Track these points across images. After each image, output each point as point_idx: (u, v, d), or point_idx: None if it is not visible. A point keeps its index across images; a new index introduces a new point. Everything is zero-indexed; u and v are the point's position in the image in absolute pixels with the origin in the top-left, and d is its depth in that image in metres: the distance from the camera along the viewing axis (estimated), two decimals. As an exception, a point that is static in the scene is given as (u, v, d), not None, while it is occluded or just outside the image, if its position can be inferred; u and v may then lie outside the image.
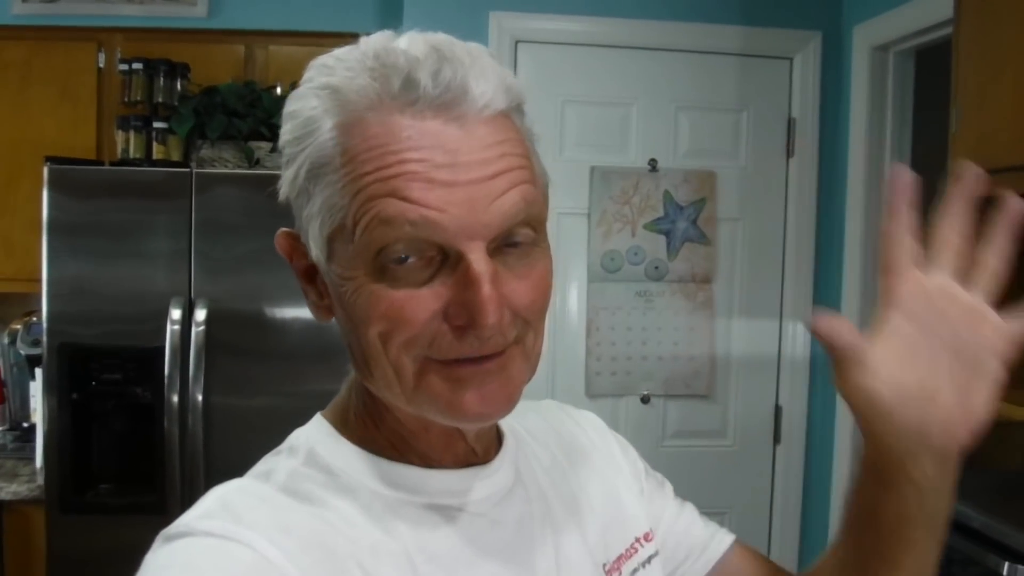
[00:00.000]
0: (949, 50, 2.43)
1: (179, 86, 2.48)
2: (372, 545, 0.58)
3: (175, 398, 2.15)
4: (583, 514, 0.71)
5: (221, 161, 2.45)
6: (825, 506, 2.69)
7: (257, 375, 2.23)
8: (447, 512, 0.62)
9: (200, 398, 2.16)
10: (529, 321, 0.58)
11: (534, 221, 0.57)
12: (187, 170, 2.22)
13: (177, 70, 2.49)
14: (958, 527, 1.55)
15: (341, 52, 0.58)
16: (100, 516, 2.20)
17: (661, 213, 2.66)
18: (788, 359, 2.76)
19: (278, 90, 2.58)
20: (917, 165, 2.51)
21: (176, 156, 2.45)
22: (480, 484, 0.64)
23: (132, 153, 2.44)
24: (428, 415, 0.59)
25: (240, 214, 2.22)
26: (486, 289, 0.53)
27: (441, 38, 0.56)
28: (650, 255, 2.66)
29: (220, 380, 2.20)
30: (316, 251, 0.59)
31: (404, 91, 0.54)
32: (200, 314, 2.17)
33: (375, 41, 0.57)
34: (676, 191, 2.67)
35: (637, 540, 0.74)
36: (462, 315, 0.54)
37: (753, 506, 2.77)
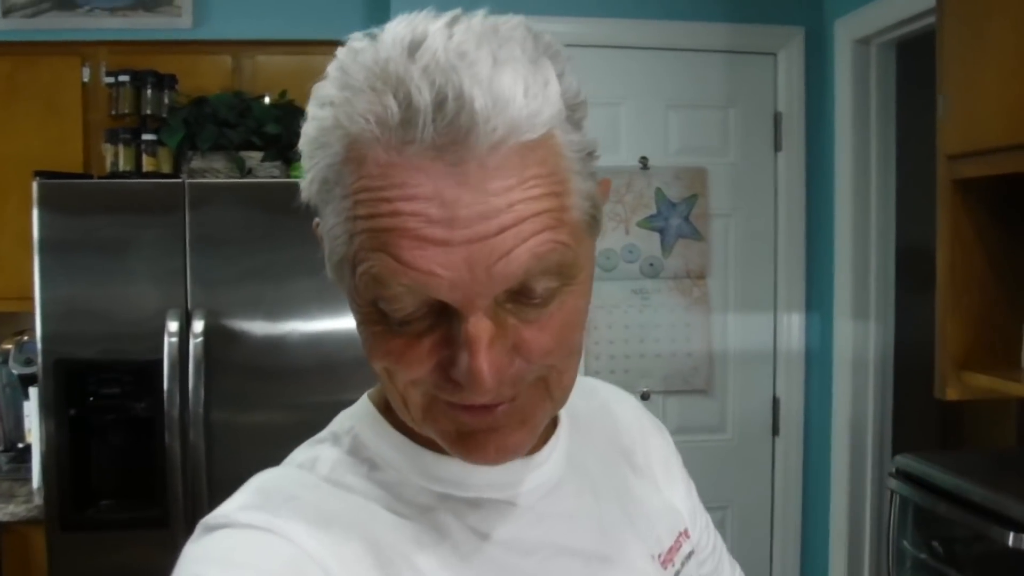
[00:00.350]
0: (930, 40, 2.48)
1: (167, 97, 2.47)
2: (416, 538, 0.57)
3: (175, 411, 2.13)
4: (635, 504, 0.69)
5: (212, 172, 2.44)
6: (825, 495, 2.70)
7: (257, 388, 2.22)
8: (494, 506, 0.60)
9: (201, 410, 2.14)
10: (548, 364, 0.53)
11: (556, 271, 0.50)
12: (180, 181, 2.21)
13: (164, 81, 2.47)
14: (961, 502, 1.57)
15: (360, 45, 0.50)
16: (102, 533, 2.18)
17: (654, 210, 2.67)
18: (783, 351, 2.78)
19: (267, 99, 2.58)
20: (904, 152, 2.56)
21: (167, 168, 2.44)
22: (527, 477, 0.62)
23: (122, 166, 2.42)
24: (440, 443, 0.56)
25: (235, 224, 2.21)
26: (480, 357, 0.48)
27: (470, 42, 0.48)
28: (645, 253, 2.68)
29: (220, 393, 2.18)
30: (329, 269, 0.54)
31: (402, 128, 0.47)
32: (198, 325, 2.15)
33: (392, 43, 0.49)
34: (668, 188, 2.68)
35: (681, 534, 0.72)
36: (458, 375, 0.50)
37: (754, 499, 2.79)
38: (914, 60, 2.73)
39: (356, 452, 0.60)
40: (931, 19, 2.23)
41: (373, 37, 0.50)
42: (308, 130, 0.52)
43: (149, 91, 2.46)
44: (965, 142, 1.52)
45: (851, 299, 2.61)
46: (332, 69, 0.51)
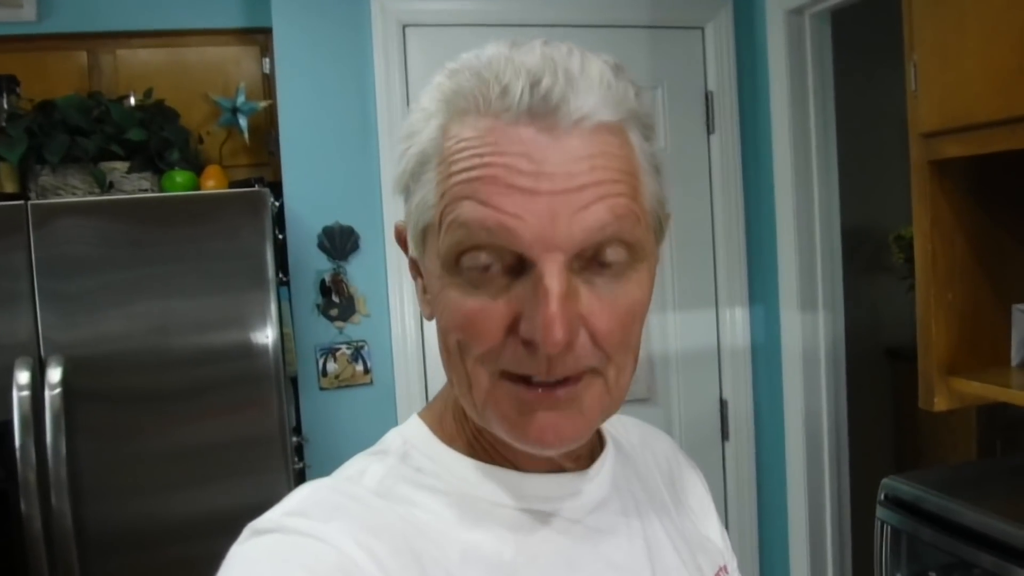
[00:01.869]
0: (866, 7, 2.30)
1: (6, 103, 2.08)
2: (462, 550, 0.57)
3: (32, 477, 1.77)
4: (680, 531, 0.71)
5: (68, 188, 2.07)
6: (781, 498, 2.52)
7: (133, 430, 1.88)
8: (542, 517, 0.61)
9: (64, 471, 1.80)
10: (609, 352, 0.55)
11: (628, 240, 0.54)
12: (20, 203, 1.84)
13: (2, 84, 2.08)
14: (958, 530, 1.38)
15: (466, 55, 0.57)
16: (-48, 631, 1.81)
17: (581, 205, 2.42)
18: (728, 349, 2.58)
19: (132, 100, 2.22)
20: (844, 131, 2.38)
21: (11, 187, 2.05)
22: (575, 491, 0.63)
23: (-45, 188, 2.03)
24: (496, 432, 0.58)
25: (92, 247, 1.86)
26: (553, 305, 0.51)
27: (561, 48, 0.55)
28: (574, 252, 2.43)
29: (87, 442, 1.84)
30: (413, 246, 0.60)
31: (501, 97, 0.53)
32: (54, 373, 1.80)
33: (497, 47, 0.56)
34: (595, 180, 2.44)
35: (721, 568, 0.73)
36: (529, 330, 0.52)
37: (707, 510, 2.58)
38: (852, 29, 2.56)
39: (407, 463, 0.62)
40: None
41: (476, 54, 0.57)
42: (407, 122, 0.58)
43: (-17, 96, 2.06)
44: (943, 118, 1.31)
45: (797, 288, 2.43)
46: (437, 75, 0.58)
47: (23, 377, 1.79)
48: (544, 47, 0.54)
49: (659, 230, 0.59)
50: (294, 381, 2.24)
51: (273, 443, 1.96)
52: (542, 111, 0.52)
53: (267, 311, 1.95)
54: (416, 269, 0.61)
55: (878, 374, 3.21)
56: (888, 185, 2.90)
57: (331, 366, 2.26)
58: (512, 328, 0.53)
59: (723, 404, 2.59)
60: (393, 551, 0.54)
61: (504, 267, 0.53)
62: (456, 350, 0.56)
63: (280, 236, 2.19)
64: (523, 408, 0.55)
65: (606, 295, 0.54)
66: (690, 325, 2.55)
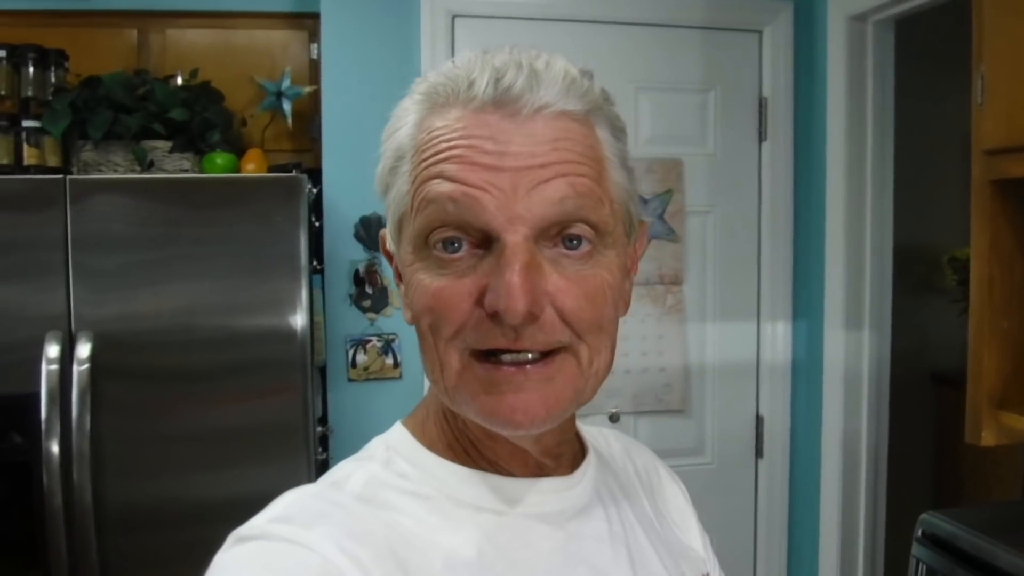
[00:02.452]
0: (934, 15, 2.20)
1: (53, 77, 2.10)
2: (445, 556, 0.58)
3: (55, 450, 1.78)
4: (662, 539, 0.72)
5: (109, 165, 2.08)
6: (813, 522, 2.44)
7: (157, 409, 1.88)
8: (525, 522, 0.62)
9: (87, 446, 1.80)
10: (579, 332, 0.56)
11: (592, 220, 0.56)
12: (59, 177, 1.84)
13: (51, 58, 2.10)
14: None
15: (447, 62, 0.60)
16: (-29, 598, 1.83)
17: (623, 208, 2.36)
18: (768, 364, 2.50)
19: (178, 80, 2.22)
20: (902, 145, 2.28)
21: (54, 161, 2.06)
22: (557, 496, 0.64)
23: None
24: (468, 415, 0.58)
25: (127, 225, 1.86)
26: (516, 275, 0.52)
27: (531, 52, 0.58)
28: (612, 255, 2.37)
29: (111, 419, 1.84)
30: (390, 240, 0.62)
31: (468, 89, 0.56)
32: (83, 349, 1.80)
33: (472, 53, 0.59)
34: (639, 182, 2.37)
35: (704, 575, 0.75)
36: (492, 300, 0.53)
37: (736, 527, 2.51)
38: (915, 39, 2.46)
39: (390, 469, 0.62)
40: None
41: (453, 60, 0.60)
42: (389, 123, 0.62)
43: (31, 69, 2.08)
44: (1010, 135, 1.22)
45: (843, 305, 2.34)
46: (417, 82, 0.61)
47: (52, 351, 1.80)
48: (512, 50, 0.58)
49: (628, 224, 0.61)
50: (323, 371, 2.23)
51: (296, 431, 1.94)
52: (506, 99, 0.55)
53: (298, 298, 1.93)
54: (399, 275, 0.62)
55: (922, 399, 3.09)
56: (945, 203, 2.78)
57: (360, 357, 2.23)
58: (478, 303, 0.54)
59: (759, 420, 2.51)
60: (376, 557, 0.54)
61: (471, 245, 0.55)
62: (428, 333, 0.57)
63: (317, 224, 2.17)
64: (493, 387, 0.55)
65: (573, 275, 0.56)
66: (730, 337, 2.47)
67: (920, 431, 3.06)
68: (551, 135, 0.55)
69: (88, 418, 1.80)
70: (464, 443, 0.63)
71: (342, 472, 0.63)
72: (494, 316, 0.54)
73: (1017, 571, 1.29)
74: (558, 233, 0.55)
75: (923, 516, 1.47)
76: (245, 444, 1.93)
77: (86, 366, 1.80)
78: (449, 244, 0.55)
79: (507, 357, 0.55)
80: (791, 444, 2.51)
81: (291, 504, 0.58)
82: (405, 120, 0.60)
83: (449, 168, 0.55)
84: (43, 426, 1.77)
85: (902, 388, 2.56)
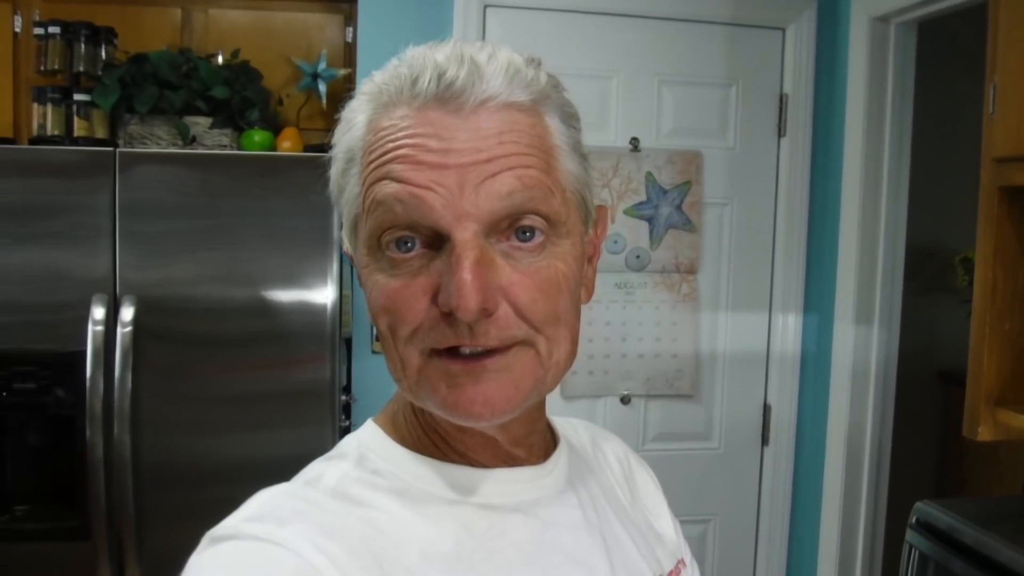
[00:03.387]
0: (955, 20, 2.25)
1: (104, 53, 2.19)
2: (421, 548, 0.58)
3: (98, 406, 1.89)
4: (636, 526, 0.72)
5: (153, 138, 2.17)
6: (815, 510, 2.52)
7: (193, 371, 1.99)
8: (499, 512, 0.62)
9: (128, 404, 1.91)
10: (535, 324, 0.56)
11: (543, 212, 0.56)
12: (109, 149, 1.94)
13: (101, 35, 2.19)
14: (987, 564, 1.37)
15: (391, 61, 0.60)
16: (17, 544, 1.94)
17: (643, 197, 2.44)
18: (777, 354, 2.57)
19: (219, 58, 2.31)
20: (920, 147, 2.33)
21: (101, 133, 2.16)
22: (531, 486, 0.64)
23: (50, 129, 2.14)
24: (431, 410, 0.59)
25: (171, 196, 1.96)
26: (466, 272, 0.52)
27: (475, 44, 0.58)
28: (631, 243, 2.44)
29: (151, 379, 1.95)
30: (348, 243, 0.61)
31: (411, 87, 0.56)
32: (127, 312, 1.91)
33: (415, 49, 0.59)
34: (659, 173, 2.45)
35: (680, 562, 0.75)
36: (445, 299, 0.53)
37: (739, 512, 2.59)
38: (936, 42, 2.50)
39: (362, 466, 0.62)
40: (962, -4, 2.01)
41: (399, 57, 0.60)
42: (338, 125, 0.60)
43: (83, 45, 2.17)
44: (1019, 144, 1.29)
45: (854, 301, 2.40)
46: (363, 82, 0.61)
47: (98, 313, 1.90)
48: (457, 43, 0.58)
49: (584, 212, 0.61)
50: (348, 342, 2.32)
51: (323, 398, 2.04)
52: (449, 95, 0.55)
53: (329, 272, 2.02)
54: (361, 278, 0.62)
55: (928, 397, 3.15)
56: (959, 205, 2.83)
57: (384, 332, 2.32)
58: (434, 300, 0.54)
59: (766, 409, 2.59)
60: (351, 553, 0.54)
61: (422, 244, 0.55)
62: (388, 334, 0.57)
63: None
64: (452, 381, 0.56)
65: (526, 267, 0.55)
66: (741, 326, 2.55)
67: (925, 428, 3.13)
68: (496, 128, 0.55)
69: (129, 377, 1.91)
70: (434, 437, 0.63)
71: (315, 471, 0.62)
72: (448, 315, 0.54)
73: (1005, 560, 1.36)
74: (509, 227, 0.55)
75: (918, 504, 1.54)
76: (274, 408, 2.03)
77: (129, 328, 1.91)
78: (402, 244, 0.55)
79: (464, 350, 0.55)
80: (797, 434, 2.58)
81: (264, 503, 0.58)
82: (354, 121, 0.59)
83: (395, 168, 0.54)
84: (88, 383, 1.88)
85: (909, 385, 2.63)
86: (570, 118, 0.60)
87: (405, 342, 0.56)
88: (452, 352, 0.55)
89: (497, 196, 0.54)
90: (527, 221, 0.55)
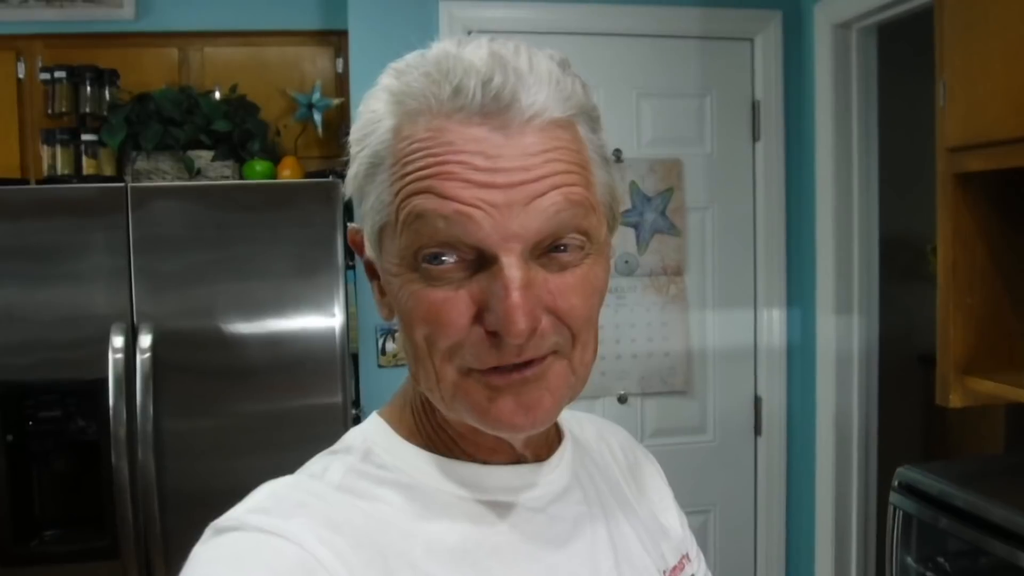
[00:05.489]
0: (913, 24, 2.39)
1: (108, 94, 2.30)
2: (426, 542, 0.58)
3: (122, 431, 1.97)
4: (641, 521, 0.72)
5: (159, 173, 2.28)
6: (810, 496, 2.62)
7: (211, 396, 2.08)
8: (504, 508, 0.62)
9: (150, 427, 1.99)
10: (573, 330, 0.56)
11: (583, 229, 0.55)
12: (121, 185, 2.04)
13: (105, 77, 2.30)
14: (966, 517, 1.48)
15: (411, 56, 0.58)
16: (47, 567, 2.02)
17: (628, 205, 2.56)
18: (764, 348, 2.69)
19: (216, 94, 2.42)
20: (887, 143, 2.46)
21: (109, 170, 2.27)
22: (536, 481, 0.64)
23: (60, 169, 2.25)
24: (466, 421, 0.58)
25: (182, 229, 2.05)
26: (515, 296, 0.52)
27: (508, 46, 0.56)
28: (619, 249, 2.56)
29: (170, 405, 2.03)
30: (370, 247, 0.60)
31: (453, 97, 0.54)
32: (145, 340, 2.00)
33: (442, 46, 0.57)
34: (643, 181, 2.57)
35: (684, 556, 0.75)
36: (493, 321, 0.53)
37: (737, 501, 2.70)
38: (896, 45, 2.65)
39: (368, 460, 0.62)
40: (915, 1, 2.15)
41: (421, 53, 0.58)
42: (357, 125, 0.58)
43: (88, 88, 2.28)
44: (967, 134, 1.42)
45: (833, 292, 2.52)
46: (383, 76, 0.58)
47: (118, 341, 1.99)
48: (491, 44, 0.56)
49: (612, 220, 0.62)
50: (355, 357, 2.42)
51: (335, 415, 2.13)
52: (494, 109, 0.53)
53: (336, 294, 2.12)
54: (371, 271, 0.62)
55: (910, 379, 3.28)
56: (927, 197, 2.96)
57: (390, 346, 2.43)
58: (476, 319, 0.54)
59: (757, 401, 2.70)
60: (355, 545, 0.55)
61: (463, 263, 0.54)
62: (424, 345, 0.56)
63: (348, 223, 2.37)
64: (492, 394, 0.55)
65: (565, 275, 0.55)
66: (729, 323, 2.66)
67: (908, 409, 3.25)
68: (541, 146, 0.54)
69: (151, 403, 1.99)
70: (443, 436, 0.63)
71: (320, 464, 0.62)
72: (493, 334, 0.53)
73: (979, 511, 1.47)
74: (549, 245, 0.55)
75: (900, 469, 1.66)
76: (289, 428, 2.11)
77: (148, 355, 1.99)
78: (436, 258, 0.54)
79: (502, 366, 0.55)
80: (788, 422, 2.70)
81: (269, 495, 0.58)
82: (379, 126, 0.57)
83: (439, 185, 0.53)
84: (111, 410, 1.97)
85: (891, 368, 2.75)
86: (596, 123, 0.60)
87: (443, 357, 0.55)
88: (491, 368, 0.55)
89: (545, 216, 0.53)
90: (568, 239, 0.55)
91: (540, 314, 0.54)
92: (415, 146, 0.54)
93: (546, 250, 0.55)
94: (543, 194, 0.53)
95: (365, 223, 0.59)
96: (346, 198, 0.65)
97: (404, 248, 0.55)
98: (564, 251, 0.55)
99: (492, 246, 0.53)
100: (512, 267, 0.52)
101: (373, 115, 0.57)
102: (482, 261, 0.54)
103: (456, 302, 0.54)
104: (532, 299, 0.53)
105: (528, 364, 0.55)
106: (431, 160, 0.53)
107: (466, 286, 0.54)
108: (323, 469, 0.61)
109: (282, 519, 0.54)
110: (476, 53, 0.55)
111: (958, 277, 1.47)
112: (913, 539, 1.58)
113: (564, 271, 0.55)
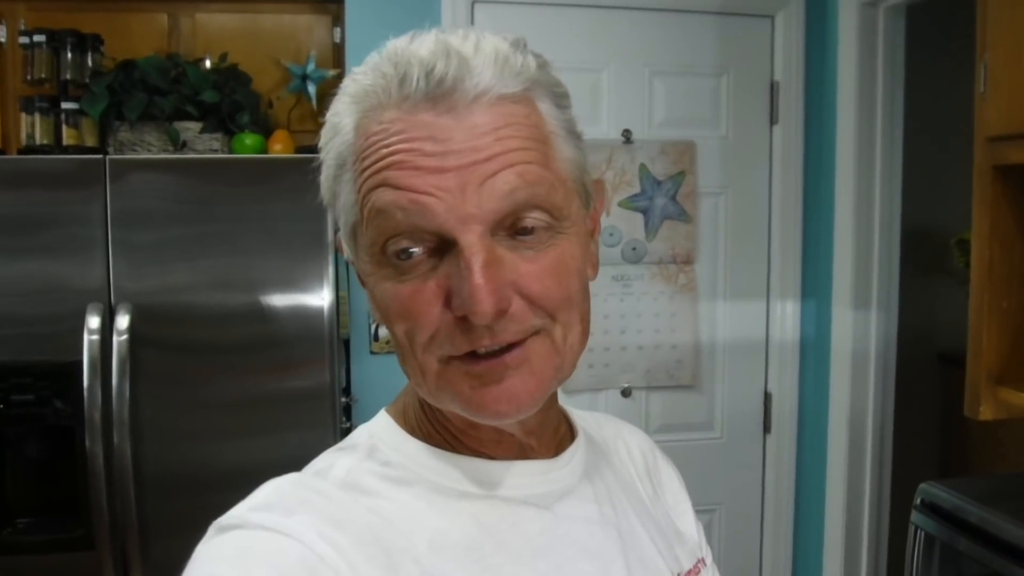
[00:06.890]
0: (943, 3, 2.24)
1: (90, 61, 2.18)
2: (430, 539, 0.58)
3: (97, 415, 1.88)
4: (656, 523, 0.71)
5: (143, 145, 2.16)
6: (820, 498, 2.52)
7: (191, 379, 1.98)
8: (511, 504, 0.61)
9: (126, 411, 1.90)
10: (550, 311, 0.56)
11: (545, 206, 0.55)
12: (99, 157, 1.93)
13: (88, 42, 2.18)
14: (993, 541, 1.37)
15: (370, 56, 0.58)
16: (20, 556, 1.93)
17: (637, 189, 2.43)
18: (777, 342, 2.57)
19: (207, 63, 2.29)
20: (912, 130, 2.33)
21: (91, 141, 2.15)
22: (544, 479, 0.64)
23: (39, 139, 2.14)
24: (455, 411, 0.58)
25: (163, 202, 1.95)
26: (477, 276, 0.52)
27: (456, 33, 0.56)
28: (627, 235, 2.44)
29: (149, 387, 1.94)
30: (348, 250, 0.61)
31: (399, 88, 0.54)
32: (123, 320, 1.90)
33: (395, 42, 0.57)
34: (653, 164, 2.44)
35: (700, 560, 0.74)
36: (459, 305, 0.53)
37: (744, 500, 2.59)
38: (925, 26, 2.50)
39: (374, 456, 0.62)
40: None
41: (377, 52, 0.58)
42: (324, 130, 0.59)
43: (69, 53, 2.16)
44: (1011, 122, 1.28)
45: (851, 286, 2.40)
46: (344, 80, 0.59)
47: (94, 322, 1.89)
48: (439, 35, 0.56)
49: (584, 195, 0.60)
50: (346, 343, 2.31)
51: (323, 400, 2.04)
52: (439, 94, 0.53)
53: (324, 274, 2.02)
54: (361, 277, 0.62)
55: (929, 379, 3.15)
56: (954, 187, 2.83)
57: (382, 331, 2.32)
58: (447, 306, 0.54)
59: (767, 397, 2.59)
60: (358, 542, 0.55)
61: (427, 250, 0.54)
62: (405, 340, 0.56)
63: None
64: (475, 382, 0.55)
65: (533, 256, 0.55)
66: (740, 315, 2.55)
67: (926, 410, 3.13)
68: (492, 124, 0.54)
69: (127, 385, 1.90)
70: (444, 433, 0.63)
71: (325, 461, 0.63)
72: (463, 319, 0.53)
73: (1011, 538, 1.36)
74: (513, 223, 0.54)
75: (922, 486, 1.54)
76: (274, 412, 2.02)
77: (125, 336, 1.90)
78: (404, 253, 0.54)
79: (482, 350, 0.55)
80: (799, 421, 2.58)
81: (272, 492, 0.58)
82: (341, 126, 0.57)
83: (392, 175, 0.53)
84: (85, 393, 1.87)
85: (909, 368, 2.63)
86: (561, 98, 0.59)
87: (423, 349, 0.55)
88: (470, 354, 0.55)
89: (500, 195, 0.53)
90: (531, 216, 0.54)
91: (509, 295, 0.54)
92: (370, 140, 0.55)
93: (511, 231, 0.54)
94: (496, 173, 0.53)
95: (340, 225, 0.60)
96: (325, 203, 0.60)
97: (372, 244, 0.55)
98: (531, 234, 0.55)
99: (450, 230, 0.53)
100: (472, 247, 0.52)
101: (335, 118, 0.58)
102: (445, 247, 0.54)
103: (425, 292, 0.54)
104: (496, 279, 0.53)
105: (508, 350, 0.55)
106: (384, 152, 0.54)
107: (433, 276, 0.54)
108: (328, 466, 0.61)
109: (285, 516, 0.54)
110: (424, 44, 0.55)
111: (994, 278, 1.34)
112: (935, 563, 1.47)
113: (535, 254, 0.55)
